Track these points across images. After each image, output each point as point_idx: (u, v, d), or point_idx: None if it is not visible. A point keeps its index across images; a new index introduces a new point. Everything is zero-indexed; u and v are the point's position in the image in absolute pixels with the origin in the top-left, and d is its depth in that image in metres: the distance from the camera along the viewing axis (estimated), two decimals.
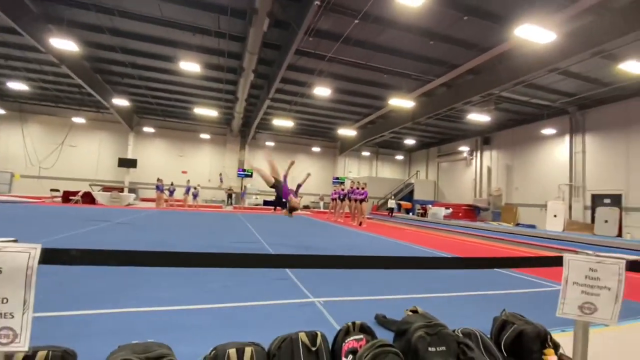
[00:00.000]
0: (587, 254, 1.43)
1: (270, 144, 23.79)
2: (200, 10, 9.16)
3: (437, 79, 12.08)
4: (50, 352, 1.25)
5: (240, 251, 4.59)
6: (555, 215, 14.63)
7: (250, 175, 22.66)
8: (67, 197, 15.79)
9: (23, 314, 0.91)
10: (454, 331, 1.82)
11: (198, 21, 9.80)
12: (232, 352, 1.43)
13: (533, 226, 15.58)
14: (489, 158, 19.31)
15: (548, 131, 15.43)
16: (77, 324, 1.99)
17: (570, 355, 1.60)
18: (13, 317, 0.90)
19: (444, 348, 1.67)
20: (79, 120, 19.57)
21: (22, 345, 0.91)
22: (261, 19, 7.96)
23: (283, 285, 3.14)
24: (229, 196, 21.04)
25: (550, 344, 1.87)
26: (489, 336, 1.93)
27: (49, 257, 0.94)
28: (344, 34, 9.41)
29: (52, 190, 16.41)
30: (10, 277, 0.89)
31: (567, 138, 14.78)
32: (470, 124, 17.93)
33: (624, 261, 1.36)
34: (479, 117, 14.89)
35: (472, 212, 18.88)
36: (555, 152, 15.40)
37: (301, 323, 2.14)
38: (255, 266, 1.41)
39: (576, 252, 1.46)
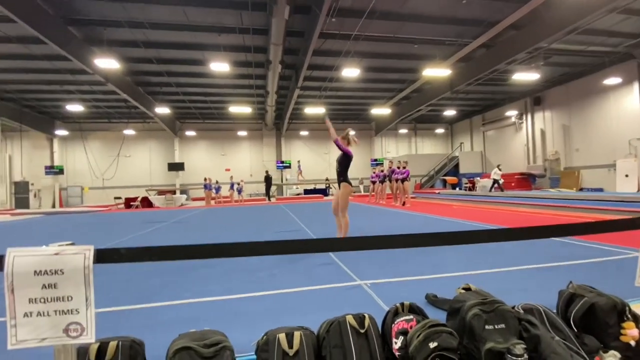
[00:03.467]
0: None
1: (305, 133, 23.91)
2: (222, 9, 9.30)
3: (474, 40, 11.14)
4: (120, 342, 1.37)
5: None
6: (627, 175, 13.04)
7: (289, 166, 23.07)
8: (128, 203, 17.36)
9: (87, 309, 0.99)
10: (513, 307, 1.70)
11: (222, 20, 9.98)
12: (282, 336, 1.46)
13: (600, 189, 14.07)
14: (542, 120, 17.63)
15: (611, 81, 13.62)
16: (143, 316, 2.18)
17: None
18: (79, 312, 0.99)
19: (503, 325, 1.56)
20: (129, 132, 21.23)
21: (90, 338, 0.99)
22: (281, 8, 7.88)
23: (328, 270, 3.16)
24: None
25: (629, 316, 1.68)
26: (554, 311, 1.78)
27: (102, 256, 1.01)
28: (367, 8, 8.99)
29: (115, 198, 18.15)
30: (71, 277, 0.98)
31: (636, 86, 12.93)
32: (516, 85, 16.42)
33: None
34: (526, 76, 13.55)
35: (526, 180, 17.51)
36: (623, 104, 13.58)
37: (349, 306, 2.14)
38: (299, 251, 1.42)
39: None
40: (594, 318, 1.71)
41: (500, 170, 15.26)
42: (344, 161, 4.53)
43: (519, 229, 1.72)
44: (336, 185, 4.69)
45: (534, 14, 9.53)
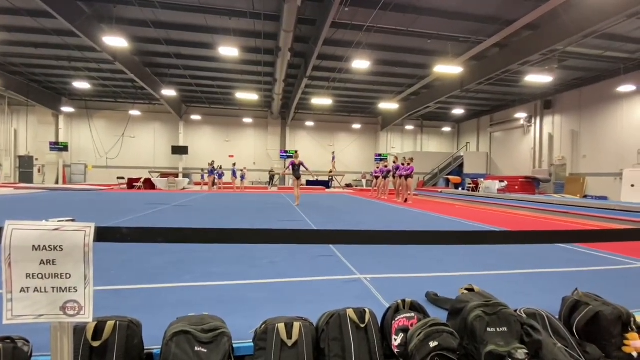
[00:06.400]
0: None
1: (310, 124, 23.76)
2: None
3: (488, 39, 10.92)
4: (118, 322, 1.35)
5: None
6: (632, 185, 12.90)
7: (292, 157, 23.00)
8: (131, 183, 17.41)
9: (85, 288, 0.97)
10: (515, 311, 1.67)
11: (233, 4, 9.81)
12: (282, 326, 1.44)
13: (604, 198, 13.94)
14: (551, 124, 17.39)
15: (625, 88, 13.36)
16: (141, 297, 2.17)
17: None
18: (77, 290, 0.96)
19: (505, 329, 1.54)
20: (135, 112, 21.16)
21: (87, 317, 0.97)
22: None
23: (328, 261, 3.15)
24: (271, 177, 21.66)
25: (633, 327, 1.65)
26: (557, 318, 1.75)
27: (103, 235, 0.98)
28: None
29: (118, 178, 18.20)
30: (71, 254, 0.95)
31: None
32: (528, 87, 16.17)
33: None
34: (538, 79, 13.32)
35: (530, 184, 17.37)
36: (635, 112, 13.35)
37: (348, 299, 2.12)
38: (302, 242, 1.39)
39: None
40: (597, 327, 1.68)
41: None
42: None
43: (525, 232, 1.68)
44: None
45: (552, 15, 9.31)
